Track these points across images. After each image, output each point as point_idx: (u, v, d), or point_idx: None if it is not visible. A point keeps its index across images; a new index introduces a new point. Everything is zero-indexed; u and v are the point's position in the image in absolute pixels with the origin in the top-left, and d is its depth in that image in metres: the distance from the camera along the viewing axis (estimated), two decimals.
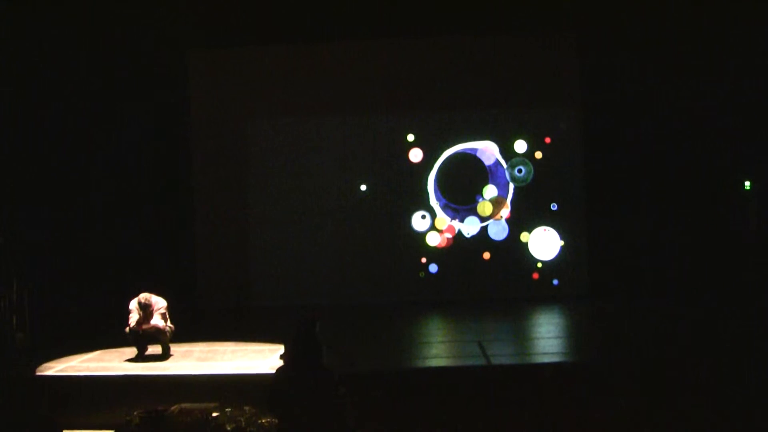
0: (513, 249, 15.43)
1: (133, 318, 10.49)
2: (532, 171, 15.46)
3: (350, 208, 15.55)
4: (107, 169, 15.03)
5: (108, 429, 8.50)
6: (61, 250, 14.36)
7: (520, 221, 15.46)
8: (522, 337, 12.33)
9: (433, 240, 15.51)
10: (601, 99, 15.08)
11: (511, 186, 15.51)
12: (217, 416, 8.15)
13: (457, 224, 15.52)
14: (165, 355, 10.61)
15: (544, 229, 15.44)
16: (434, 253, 15.51)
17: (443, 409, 8.35)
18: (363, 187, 15.54)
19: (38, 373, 9.94)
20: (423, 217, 15.53)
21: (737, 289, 13.88)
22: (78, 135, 14.82)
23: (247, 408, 8.32)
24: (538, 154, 15.45)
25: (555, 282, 15.40)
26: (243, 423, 8.09)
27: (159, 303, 10.62)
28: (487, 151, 15.54)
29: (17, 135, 14.15)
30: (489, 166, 15.55)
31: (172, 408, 8.28)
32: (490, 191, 15.52)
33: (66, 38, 14.42)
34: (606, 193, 15.09)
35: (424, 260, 15.47)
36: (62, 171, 14.70)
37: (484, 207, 15.50)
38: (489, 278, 15.36)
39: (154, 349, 10.65)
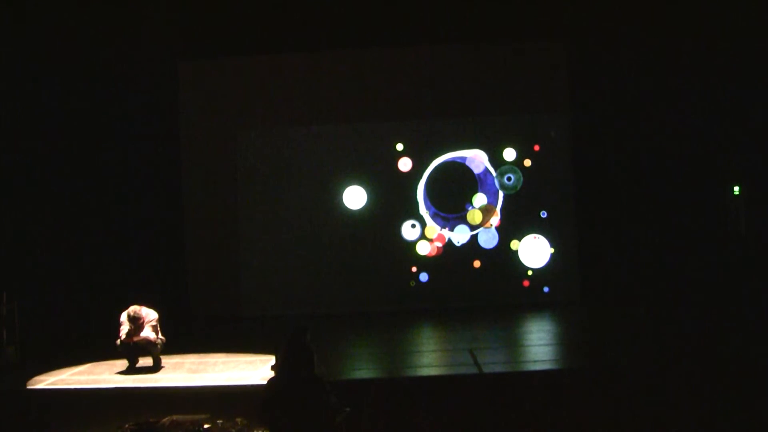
0: (503, 257, 15.45)
1: (124, 330, 10.48)
2: (522, 179, 15.49)
3: (340, 218, 15.54)
4: (98, 180, 15.00)
5: None
6: (51, 263, 14.32)
7: (510, 229, 15.48)
8: (513, 345, 12.35)
9: (423, 249, 15.51)
10: (590, 106, 15.14)
11: (501, 194, 15.53)
12: (208, 428, 8.13)
13: (447, 233, 15.53)
14: (156, 367, 10.60)
15: (534, 237, 15.46)
16: (424, 262, 15.51)
17: (435, 418, 8.34)
18: (352, 197, 15.53)
19: (29, 387, 9.90)
20: (413, 226, 15.54)
21: (727, 293, 13.93)
22: (68, 146, 14.79)
23: (238, 419, 8.30)
24: (528, 162, 15.49)
25: (546, 289, 15.41)
26: None
27: (150, 315, 10.62)
28: (476, 159, 15.57)
29: (4, 147, 14.14)
30: (478, 175, 15.58)
31: (164, 420, 8.26)
32: (479, 199, 15.54)
33: (55, 51, 14.41)
34: (595, 200, 15.13)
35: (414, 269, 15.47)
36: (52, 183, 14.67)
37: (474, 215, 15.52)
38: (479, 286, 15.36)
39: (145, 361, 10.63)
